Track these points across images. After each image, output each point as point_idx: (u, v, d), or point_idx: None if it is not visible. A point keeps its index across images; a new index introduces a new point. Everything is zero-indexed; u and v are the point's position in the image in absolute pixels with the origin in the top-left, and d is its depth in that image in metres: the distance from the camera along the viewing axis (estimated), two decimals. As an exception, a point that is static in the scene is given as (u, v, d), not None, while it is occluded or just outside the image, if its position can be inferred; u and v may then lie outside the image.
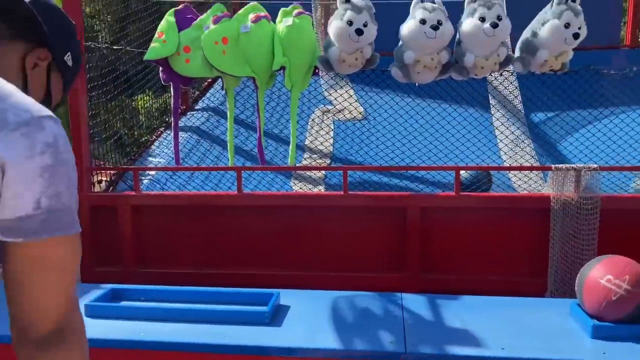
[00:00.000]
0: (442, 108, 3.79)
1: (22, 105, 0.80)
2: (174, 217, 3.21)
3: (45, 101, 1.02)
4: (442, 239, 3.01)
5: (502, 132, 3.84)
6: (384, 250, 3.09)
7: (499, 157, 3.75)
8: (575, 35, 2.72)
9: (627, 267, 1.92)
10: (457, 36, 2.93)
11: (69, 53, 1.04)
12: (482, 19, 2.79)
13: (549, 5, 2.80)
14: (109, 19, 6.22)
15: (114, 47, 4.02)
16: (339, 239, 3.14)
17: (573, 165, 2.90)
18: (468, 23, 2.82)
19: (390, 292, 2.28)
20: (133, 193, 3.20)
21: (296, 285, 2.51)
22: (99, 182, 3.45)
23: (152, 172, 3.57)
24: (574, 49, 2.89)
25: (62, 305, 0.85)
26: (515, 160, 3.60)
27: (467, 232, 3.01)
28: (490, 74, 3.20)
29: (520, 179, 3.35)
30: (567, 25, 2.71)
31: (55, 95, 1.04)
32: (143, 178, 3.48)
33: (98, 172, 3.39)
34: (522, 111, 4.11)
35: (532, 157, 3.71)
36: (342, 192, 3.10)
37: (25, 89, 0.96)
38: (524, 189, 3.27)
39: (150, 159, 3.86)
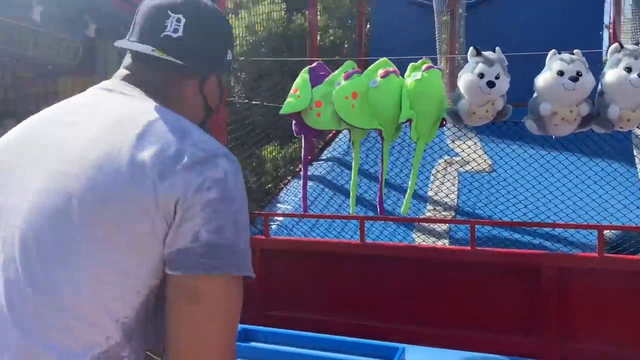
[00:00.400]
0: (582, 162, 3.55)
1: (200, 144, 0.82)
2: (299, 262, 3.31)
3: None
4: (583, 304, 2.75)
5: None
6: (515, 312, 2.89)
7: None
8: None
9: None
10: (600, 87, 2.77)
11: (229, 50, 1.02)
12: (629, 70, 2.61)
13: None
14: (243, 76, 6.78)
15: (253, 102, 4.35)
16: (465, 295, 3.01)
17: None
18: (612, 74, 2.66)
19: (527, 359, 2.12)
20: (263, 237, 3.36)
21: (417, 340, 2.43)
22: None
23: (280, 218, 3.73)
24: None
25: (212, 353, 0.78)
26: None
27: (611, 297, 2.72)
28: (637, 127, 2.95)
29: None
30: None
31: (216, 101, 1.04)
32: (272, 223, 3.65)
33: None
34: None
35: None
36: (470, 247, 2.99)
37: (208, 107, 1.01)
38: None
39: (278, 205, 4.05)
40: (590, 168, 3.54)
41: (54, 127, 0.87)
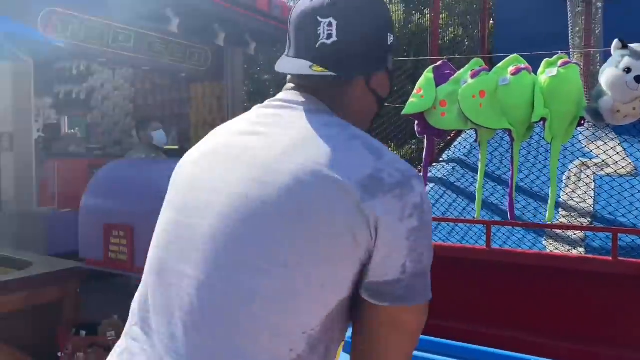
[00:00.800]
0: None
1: (394, 164, 0.82)
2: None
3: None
4: None
5: None
6: (666, 332, 2.60)
7: None
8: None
9: None
10: None
11: (389, 35, 0.97)
12: None
13: None
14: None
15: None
16: (604, 310, 2.76)
17: None
18: None
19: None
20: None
21: (550, 354, 2.26)
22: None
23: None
24: None
25: None
26: None
27: None
28: None
29: None
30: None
31: (387, 90, 1.02)
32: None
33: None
34: None
35: None
36: (611, 258, 2.74)
37: (380, 100, 1.00)
38: None
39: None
40: None
41: (244, 137, 0.89)
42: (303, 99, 0.93)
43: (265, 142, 0.86)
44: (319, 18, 0.89)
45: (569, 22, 4.72)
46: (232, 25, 5.56)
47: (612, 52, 2.77)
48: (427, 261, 0.81)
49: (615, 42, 2.73)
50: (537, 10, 5.17)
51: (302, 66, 0.92)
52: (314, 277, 0.78)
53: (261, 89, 10.81)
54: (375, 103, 1.01)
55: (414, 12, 7.54)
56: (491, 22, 6.33)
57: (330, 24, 0.89)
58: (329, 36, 0.90)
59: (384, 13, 0.95)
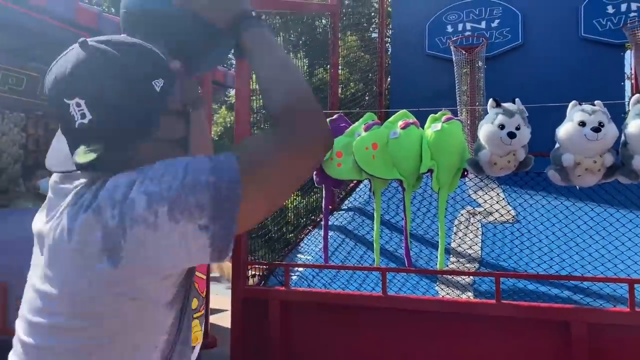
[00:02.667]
0: (608, 212, 3.47)
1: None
2: (319, 313, 3.25)
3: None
4: (615, 362, 2.62)
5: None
6: (543, 370, 2.77)
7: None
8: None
9: None
10: (623, 138, 2.74)
11: (155, 80, 0.86)
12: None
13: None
14: (266, 127, 6.92)
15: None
16: (490, 351, 2.90)
17: None
18: (635, 124, 2.64)
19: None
20: (283, 288, 3.32)
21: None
22: (252, 276, 3.67)
23: (301, 269, 3.70)
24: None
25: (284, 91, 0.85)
26: None
27: (646, 356, 2.59)
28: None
29: None
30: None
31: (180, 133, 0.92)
32: (292, 274, 3.62)
33: (252, 266, 3.61)
34: None
35: None
36: (495, 301, 2.91)
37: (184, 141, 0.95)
38: None
39: (299, 256, 4.03)
40: (617, 220, 3.46)
41: None
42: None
43: None
44: (65, 100, 0.81)
45: (456, 82, 5.16)
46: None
47: (488, 110, 3.04)
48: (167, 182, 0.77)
49: (490, 101, 3.01)
50: (429, 71, 5.60)
51: (68, 167, 0.84)
52: None
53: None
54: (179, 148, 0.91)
55: (317, 67, 7.86)
56: (389, 79, 6.75)
57: (78, 104, 0.80)
58: (83, 116, 0.81)
59: (140, 62, 0.84)
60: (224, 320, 5.08)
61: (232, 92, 8.04)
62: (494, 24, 5.38)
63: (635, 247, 3.28)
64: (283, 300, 3.27)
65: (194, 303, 2.78)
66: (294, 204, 6.84)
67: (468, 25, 5.48)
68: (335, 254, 3.96)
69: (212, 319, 5.43)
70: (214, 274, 8.61)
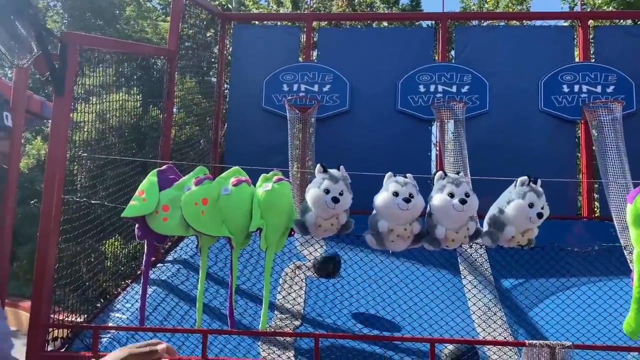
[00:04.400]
0: (416, 267, 3.84)
1: None
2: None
3: None
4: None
5: (471, 299, 3.86)
6: None
7: (472, 321, 3.72)
8: (539, 215, 2.89)
9: None
10: (428, 209, 3.08)
11: None
12: (451, 195, 2.96)
13: (512, 185, 3.01)
14: (88, 164, 6.36)
15: (92, 202, 4.06)
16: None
17: (547, 342, 2.88)
18: (438, 198, 2.98)
19: None
20: (89, 354, 2.99)
21: None
22: (54, 339, 3.24)
23: (112, 331, 3.38)
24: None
25: None
26: (489, 333, 3.57)
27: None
28: (460, 245, 3.30)
29: (494, 352, 3.29)
30: (531, 205, 2.90)
31: None
32: (103, 336, 3.29)
33: (54, 328, 3.19)
34: (492, 277, 4.18)
35: (503, 327, 3.69)
36: (313, 361, 2.97)
37: None
38: (499, 361, 3.20)
39: (113, 314, 3.68)
40: (422, 274, 3.83)
41: None
42: None
43: None
44: None
45: (289, 138, 5.36)
46: None
47: (316, 174, 3.18)
48: None
49: (318, 166, 3.16)
50: (264, 124, 5.75)
51: None
52: None
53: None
54: None
55: (152, 105, 7.53)
56: (225, 126, 6.75)
57: None
58: None
59: None
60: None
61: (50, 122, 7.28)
62: (326, 89, 5.77)
63: (436, 301, 3.65)
64: (89, 368, 2.93)
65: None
66: (115, 249, 6.32)
67: (302, 87, 5.78)
68: (156, 311, 3.70)
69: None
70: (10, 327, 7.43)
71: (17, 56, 3.44)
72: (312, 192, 3.08)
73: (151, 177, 3.22)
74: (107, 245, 6.28)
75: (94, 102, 5.84)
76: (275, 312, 3.95)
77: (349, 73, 5.74)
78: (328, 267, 3.60)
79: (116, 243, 6.12)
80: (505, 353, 3.26)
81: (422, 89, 5.69)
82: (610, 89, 5.51)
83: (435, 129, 5.80)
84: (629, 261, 3.65)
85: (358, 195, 3.19)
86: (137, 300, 3.43)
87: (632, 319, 2.86)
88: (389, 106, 5.67)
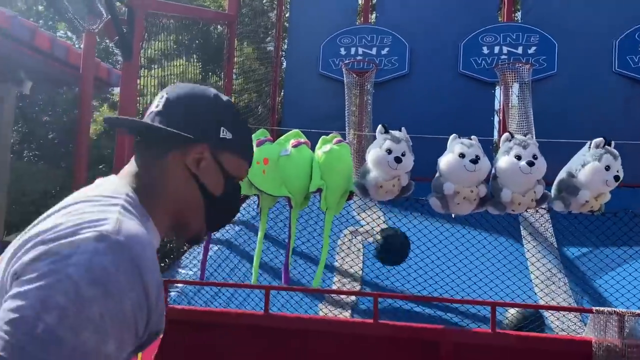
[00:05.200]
0: (472, 235, 3.77)
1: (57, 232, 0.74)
2: (199, 333, 3.12)
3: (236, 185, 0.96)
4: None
5: (534, 264, 3.76)
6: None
7: (531, 289, 3.63)
8: (616, 178, 2.75)
9: None
10: (493, 171, 2.99)
11: (222, 128, 0.93)
12: (518, 157, 2.87)
13: (585, 148, 2.88)
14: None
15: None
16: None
17: (616, 310, 2.77)
18: (505, 160, 2.89)
19: None
20: (159, 306, 3.14)
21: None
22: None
23: (180, 285, 3.54)
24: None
25: None
26: (552, 298, 3.47)
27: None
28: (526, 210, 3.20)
29: (557, 318, 3.20)
30: (607, 168, 2.76)
31: (240, 173, 0.97)
32: (171, 290, 3.45)
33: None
34: (555, 245, 4.05)
35: (567, 293, 3.58)
36: (372, 320, 3.00)
37: (206, 191, 0.93)
38: (562, 329, 3.12)
39: (180, 270, 3.85)
40: (479, 242, 3.75)
41: None
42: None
43: None
44: (159, 94, 0.97)
45: (346, 103, 5.32)
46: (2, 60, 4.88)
47: (377, 135, 3.16)
48: (21, 329, 0.67)
49: (379, 127, 3.13)
50: (320, 90, 5.72)
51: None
52: None
53: (36, 129, 9.66)
54: (197, 192, 0.93)
55: (210, 73, 7.66)
56: (282, 93, 6.78)
57: (162, 97, 0.94)
58: (157, 106, 0.94)
59: (215, 106, 0.95)
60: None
61: (117, 90, 7.55)
62: (384, 52, 5.64)
63: (497, 270, 3.58)
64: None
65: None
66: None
67: (360, 50, 5.69)
68: (218, 270, 3.84)
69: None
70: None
71: (87, 21, 3.56)
72: (373, 153, 3.06)
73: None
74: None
75: (156, 69, 6.00)
76: (335, 275, 4.01)
77: (408, 35, 5.58)
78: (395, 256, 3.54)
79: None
80: (569, 319, 3.17)
81: (485, 50, 5.46)
82: None
83: (499, 92, 5.59)
84: None
85: (417, 161, 3.15)
86: (200, 255, 3.56)
87: None
88: (451, 69, 5.49)
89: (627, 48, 5.23)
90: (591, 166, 2.76)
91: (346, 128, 5.15)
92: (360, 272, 3.98)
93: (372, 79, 5.42)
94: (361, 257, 4.09)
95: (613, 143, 2.91)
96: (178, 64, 7.01)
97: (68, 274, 0.69)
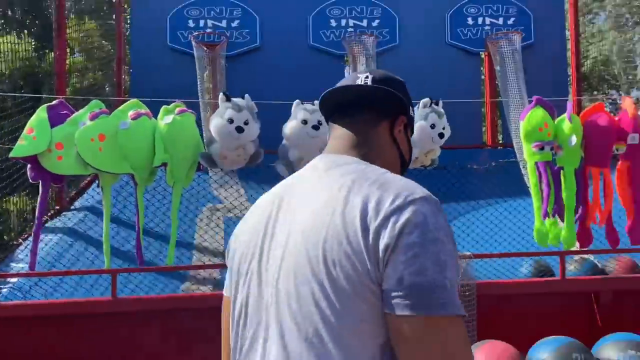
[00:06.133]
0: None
1: (398, 192, 0.87)
2: (38, 328, 2.84)
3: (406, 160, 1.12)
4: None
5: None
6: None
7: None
8: (441, 135, 2.98)
9: (503, 352, 1.98)
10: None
11: (410, 107, 1.10)
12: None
13: (415, 108, 3.08)
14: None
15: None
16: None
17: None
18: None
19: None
20: (-13, 305, 2.81)
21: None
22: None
23: (13, 279, 3.19)
24: (444, 148, 3.16)
25: None
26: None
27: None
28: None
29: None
30: (432, 126, 2.98)
31: (407, 150, 1.12)
32: (2, 287, 3.10)
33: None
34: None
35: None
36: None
37: (402, 157, 1.09)
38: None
39: (13, 264, 3.47)
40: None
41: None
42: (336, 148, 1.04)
43: (306, 199, 0.97)
44: (359, 74, 1.08)
45: (198, 77, 5.14)
46: None
47: (219, 104, 3.08)
48: (435, 275, 0.83)
49: (220, 95, 3.06)
50: (171, 64, 5.45)
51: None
52: (353, 313, 0.88)
53: None
54: (397, 157, 1.09)
55: (47, 50, 6.94)
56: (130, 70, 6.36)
57: (367, 77, 1.07)
58: (365, 81, 1.07)
59: (406, 90, 1.11)
60: None
61: None
62: (234, 24, 5.54)
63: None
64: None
65: None
66: (19, 207, 5.95)
67: (209, 22, 5.52)
68: (63, 260, 3.52)
69: None
70: None
71: None
72: (215, 122, 2.99)
73: (40, 113, 2.98)
74: (8, 203, 5.88)
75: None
76: (195, 252, 3.91)
77: (258, 7, 5.53)
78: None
79: (17, 200, 5.75)
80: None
81: (333, 23, 5.61)
82: (510, 21, 5.72)
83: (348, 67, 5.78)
84: (523, 175, 3.89)
85: (272, 132, 3.14)
86: (43, 246, 3.24)
87: (538, 228, 3.05)
88: (302, 41, 5.56)
89: (457, 22, 5.71)
90: (418, 125, 2.96)
91: (200, 101, 4.98)
92: (221, 248, 3.91)
93: (224, 52, 5.30)
94: (222, 234, 4.02)
95: (441, 102, 3.15)
96: (6, 40, 6.28)
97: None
